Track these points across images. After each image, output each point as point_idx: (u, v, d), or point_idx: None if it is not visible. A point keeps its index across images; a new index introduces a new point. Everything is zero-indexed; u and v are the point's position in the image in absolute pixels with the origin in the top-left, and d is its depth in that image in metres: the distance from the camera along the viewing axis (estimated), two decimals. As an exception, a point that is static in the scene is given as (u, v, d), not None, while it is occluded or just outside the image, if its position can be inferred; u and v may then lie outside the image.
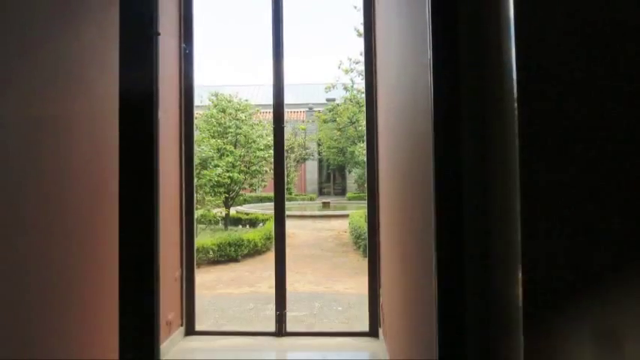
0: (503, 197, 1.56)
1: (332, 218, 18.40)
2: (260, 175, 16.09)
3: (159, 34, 2.89)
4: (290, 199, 22.67)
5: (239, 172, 15.33)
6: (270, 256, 9.04)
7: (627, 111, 1.34)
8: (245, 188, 16.49)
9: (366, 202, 5.44)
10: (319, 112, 25.39)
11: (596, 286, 1.34)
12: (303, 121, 27.20)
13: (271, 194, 5.93)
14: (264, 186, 16.95)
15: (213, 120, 16.00)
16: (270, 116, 6.05)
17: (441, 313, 1.90)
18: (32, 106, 2.33)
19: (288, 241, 5.51)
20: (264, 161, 15.89)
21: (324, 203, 22.73)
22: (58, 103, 2.56)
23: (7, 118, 2.14)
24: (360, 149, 20.05)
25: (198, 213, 12.08)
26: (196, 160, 10.85)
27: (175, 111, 5.16)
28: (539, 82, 1.38)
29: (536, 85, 1.38)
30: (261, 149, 15.87)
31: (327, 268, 10.75)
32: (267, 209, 16.90)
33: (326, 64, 53.33)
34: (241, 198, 17.83)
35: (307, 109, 28.34)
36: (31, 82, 2.34)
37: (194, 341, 5.13)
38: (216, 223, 15.57)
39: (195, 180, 6.15)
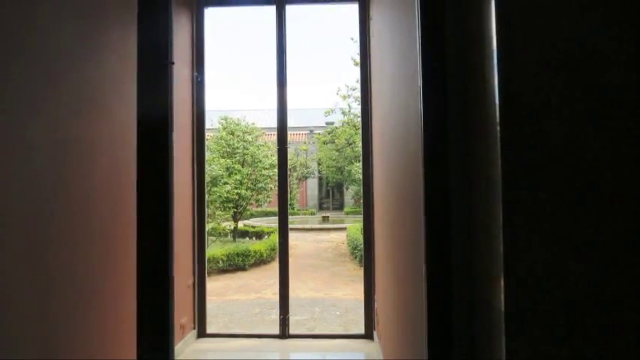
0: (487, 212, 1.56)
1: (331, 231, 18.35)
2: (265, 192, 16.10)
3: (173, 63, 2.92)
4: (292, 214, 22.65)
5: (246, 189, 15.34)
6: (275, 266, 8.99)
7: (600, 133, 1.35)
8: (252, 203, 16.47)
9: (362, 216, 5.42)
10: (319, 134, 25.43)
11: (572, 292, 1.34)
12: (305, 143, 27.22)
13: (275, 209, 5.91)
14: (269, 201, 16.91)
15: (223, 141, 16.07)
16: (274, 138, 6.05)
17: (430, 317, 1.89)
18: (58, 130, 2.34)
19: (290, 251, 5.50)
20: (269, 179, 15.92)
21: (323, 217, 22.70)
22: (81, 127, 2.57)
23: (36, 141, 2.15)
24: (357, 168, 20.01)
25: (209, 226, 12.07)
26: (207, 178, 10.88)
27: (188, 133, 5.17)
28: (520, 107, 1.39)
29: (517, 110, 1.39)
30: (266, 168, 15.92)
31: (327, 276, 10.70)
32: (272, 223, 16.87)
33: (325, 90, 53.60)
34: (248, 212, 17.77)
35: (308, 132, 28.40)
36: (57, 108, 2.35)
37: (205, 343, 5.10)
38: (226, 235, 15.55)
39: (207, 196, 6.15)
